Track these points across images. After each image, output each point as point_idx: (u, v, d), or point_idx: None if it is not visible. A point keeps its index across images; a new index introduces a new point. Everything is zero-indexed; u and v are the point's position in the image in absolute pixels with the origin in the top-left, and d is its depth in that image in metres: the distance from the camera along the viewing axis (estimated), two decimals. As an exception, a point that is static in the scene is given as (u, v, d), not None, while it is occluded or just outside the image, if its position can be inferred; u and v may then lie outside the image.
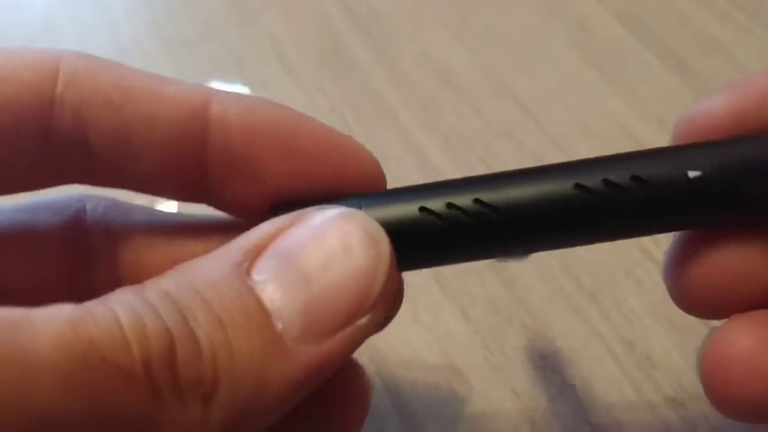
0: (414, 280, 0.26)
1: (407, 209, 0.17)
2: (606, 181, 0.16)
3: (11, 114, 0.16)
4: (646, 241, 0.27)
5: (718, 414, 0.19)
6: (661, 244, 0.27)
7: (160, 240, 0.19)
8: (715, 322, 0.18)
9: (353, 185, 0.17)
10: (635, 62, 0.33)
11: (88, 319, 0.12)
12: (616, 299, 0.26)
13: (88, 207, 0.19)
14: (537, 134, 0.31)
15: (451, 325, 0.25)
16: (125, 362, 0.12)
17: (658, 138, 0.29)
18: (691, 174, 0.16)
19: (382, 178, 0.18)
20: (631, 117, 0.31)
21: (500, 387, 0.24)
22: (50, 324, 0.12)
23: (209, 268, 0.14)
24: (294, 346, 0.14)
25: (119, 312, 0.13)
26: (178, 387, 0.13)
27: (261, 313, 0.14)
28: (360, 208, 0.16)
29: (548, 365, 0.24)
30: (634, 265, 0.27)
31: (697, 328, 0.25)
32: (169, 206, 0.27)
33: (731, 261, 0.17)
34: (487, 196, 0.16)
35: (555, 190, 0.16)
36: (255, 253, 0.15)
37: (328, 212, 0.15)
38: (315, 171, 0.17)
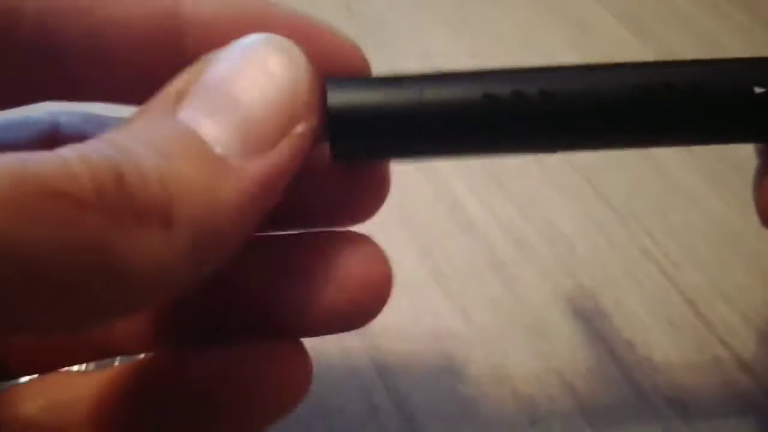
0: (415, 280, 0.26)
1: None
2: (516, 92, 0.17)
3: None
4: (646, 241, 0.27)
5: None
6: (661, 244, 0.27)
7: None
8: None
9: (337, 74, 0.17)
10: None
11: (35, 159, 0.12)
12: (616, 299, 0.26)
13: (62, 121, 0.19)
14: (537, 134, 0.31)
15: (451, 325, 0.25)
16: (77, 191, 0.12)
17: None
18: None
19: (365, 68, 0.18)
20: (631, 117, 0.31)
21: (500, 387, 0.24)
22: None
23: (141, 115, 0.15)
24: (239, 163, 0.14)
25: (62, 152, 0.13)
26: (134, 210, 0.13)
27: (199, 141, 0.14)
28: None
29: (548, 365, 0.24)
30: (634, 265, 0.27)
31: (698, 328, 0.25)
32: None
33: None
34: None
35: (465, 96, 0.17)
36: (183, 92, 0.15)
37: (243, 41, 0.16)
38: None
